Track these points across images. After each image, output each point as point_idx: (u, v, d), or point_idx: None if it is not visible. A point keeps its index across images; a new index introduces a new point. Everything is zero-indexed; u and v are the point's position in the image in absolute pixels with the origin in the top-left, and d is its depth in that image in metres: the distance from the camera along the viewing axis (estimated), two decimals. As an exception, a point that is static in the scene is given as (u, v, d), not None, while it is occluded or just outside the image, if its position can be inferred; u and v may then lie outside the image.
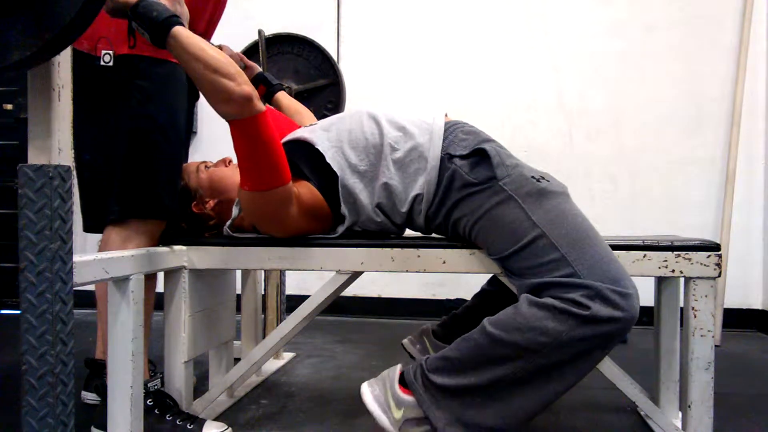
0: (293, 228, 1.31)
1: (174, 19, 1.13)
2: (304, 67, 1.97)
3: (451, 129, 1.29)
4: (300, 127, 1.49)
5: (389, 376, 1.21)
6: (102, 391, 1.32)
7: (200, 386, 1.54)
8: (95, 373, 1.62)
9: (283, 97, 1.75)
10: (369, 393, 1.21)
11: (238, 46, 1.93)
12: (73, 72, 1.32)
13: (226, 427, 1.35)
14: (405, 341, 1.56)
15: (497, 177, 1.19)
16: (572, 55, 2.77)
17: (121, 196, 1.33)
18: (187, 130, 1.53)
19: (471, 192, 1.21)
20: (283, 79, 1.93)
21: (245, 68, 1.70)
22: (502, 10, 2.82)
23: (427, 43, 2.85)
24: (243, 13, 2.84)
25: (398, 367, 1.23)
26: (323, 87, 1.94)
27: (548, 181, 1.20)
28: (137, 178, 1.34)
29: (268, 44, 1.94)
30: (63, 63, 0.94)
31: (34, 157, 0.93)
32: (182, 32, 1.13)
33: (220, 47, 1.53)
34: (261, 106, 1.17)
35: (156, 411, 1.30)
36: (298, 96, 1.92)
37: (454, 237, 1.30)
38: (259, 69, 1.75)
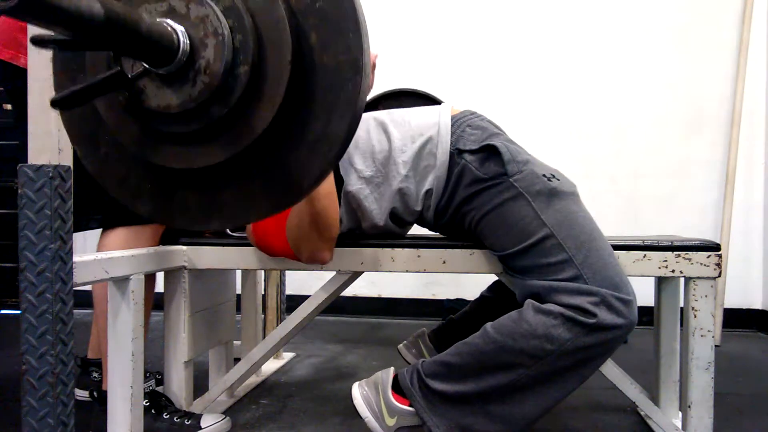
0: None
1: None
2: None
3: (459, 123, 1.28)
4: None
5: (382, 380, 1.19)
6: (98, 397, 1.32)
7: (200, 386, 1.54)
8: (84, 370, 1.64)
9: None
10: (360, 396, 1.19)
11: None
12: (12, 84, 1.31)
13: (224, 417, 1.35)
14: (400, 346, 1.55)
15: (508, 173, 1.18)
16: (572, 55, 2.77)
17: (103, 203, 1.30)
18: None
19: (481, 188, 1.20)
20: None
21: None
22: (503, 9, 2.82)
23: (427, 44, 2.85)
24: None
25: (391, 371, 1.21)
26: None
27: (558, 180, 1.19)
28: None
29: (391, 97, 1.88)
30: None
31: (34, 157, 0.93)
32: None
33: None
34: (326, 263, 1.22)
35: (152, 411, 1.31)
36: None
37: (460, 232, 1.30)
38: None
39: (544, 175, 1.18)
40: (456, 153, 1.23)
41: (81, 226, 1.28)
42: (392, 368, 1.22)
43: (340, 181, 1.29)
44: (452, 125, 1.27)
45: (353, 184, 1.28)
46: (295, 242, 1.17)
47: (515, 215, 1.16)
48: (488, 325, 1.14)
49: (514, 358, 1.09)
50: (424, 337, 1.53)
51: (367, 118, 1.34)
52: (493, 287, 1.54)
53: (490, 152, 1.21)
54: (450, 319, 1.55)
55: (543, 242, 1.13)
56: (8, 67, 1.31)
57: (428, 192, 1.26)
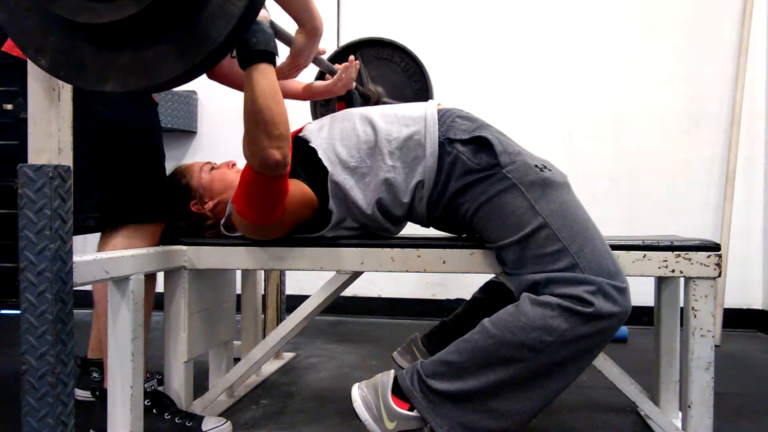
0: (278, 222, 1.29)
1: (264, 57, 1.10)
2: (402, 85, 1.88)
3: (447, 114, 1.29)
4: None
5: (382, 383, 1.19)
6: (101, 395, 1.32)
7: (200, 386, 1.54)
8: (84, 370, 1.64)
9: None
10: (360, 399, 1.18)
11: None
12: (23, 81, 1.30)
13: (225, 421, 1.35)
14: (394, 354, 1.55)
15: (501, 164, 1.19)
16: (572, 55, 2.77)
17: (101, 203, 1.30)
18: (158, 128, 1.49)
19: (474, 179, 1.20)
20: (378, 83, 1.87)
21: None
22: (503, 10, 2.82)
23: (427, 44, 2.85)
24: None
25: (391, 373, 1.21)
26: None
27: (550, 170, 1.20)
28: (116, 183, 1.30)
29: (383, 45, 1.86)
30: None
31: (34, 157, 0.93)
32: (260, 75, 1.09)
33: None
34: (282, 171, 1.15)
35: (154, 411, 1.31)
36: (381, 104, 1.85)
37: (454, 224, 1.29)
38: (351, 88, 1.66)
39: (536, 166, 1.19)
40: (447, 142, 1.24)
41: (77, 223, 1.28)
42: (392, 371, 1.22)
43: (324, 171, 1.28)
44: (440, 117, 1.28)
45: (338, 174, 1.28)
46: (248, 151, 1.13)
47: (510, 206, 1.17)
48: (486, 320, 1.14)
49: (514, 352, 1.09)
50: (417, 342, 1.53)
51: (353, 113, 1.35)
52: (485, 288, 1.54)
53: (480, 144, 1.21)
54: (442, 322, 1.55)
55: (538, 232, 1.14)
56: (23, 65, 1.31)
57: (419, 184, 1.26)
